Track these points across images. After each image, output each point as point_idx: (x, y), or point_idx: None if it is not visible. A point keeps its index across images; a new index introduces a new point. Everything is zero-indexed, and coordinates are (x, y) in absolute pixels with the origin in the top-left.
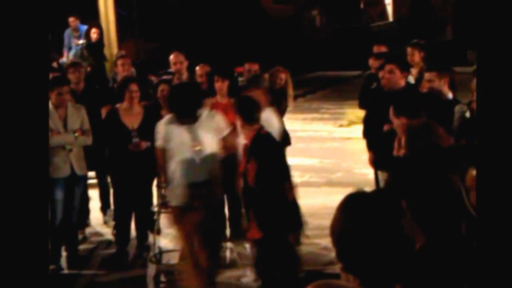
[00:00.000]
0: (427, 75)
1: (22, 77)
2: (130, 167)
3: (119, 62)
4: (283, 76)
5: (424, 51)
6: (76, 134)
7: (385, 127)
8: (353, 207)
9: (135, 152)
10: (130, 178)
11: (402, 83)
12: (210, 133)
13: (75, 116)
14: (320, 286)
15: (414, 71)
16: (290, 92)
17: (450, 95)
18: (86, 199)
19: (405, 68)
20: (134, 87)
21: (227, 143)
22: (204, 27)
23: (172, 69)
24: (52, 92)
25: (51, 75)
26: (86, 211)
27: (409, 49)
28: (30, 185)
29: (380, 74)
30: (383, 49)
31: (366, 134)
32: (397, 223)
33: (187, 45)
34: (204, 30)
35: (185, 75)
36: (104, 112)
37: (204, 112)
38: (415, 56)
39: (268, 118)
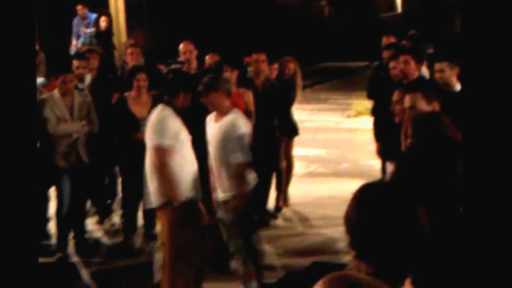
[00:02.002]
0: (437, 65)
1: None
2: (138, 156)
3: (128, 51)
4: (291, 66)
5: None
6: (83, 122)
7: (397, 119)
8: (369, 196)
9: (144, 141)
10: (138, 166)
11: (416, 74)
12: None
13: (82, 104)
14: (334, 278)
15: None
16: (299, 82)
17: (458, 87)
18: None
19: (420, 59)
20: (142, 76)
21: None
22: (213, 16)
23: (182, 58)
24: (57, 80)
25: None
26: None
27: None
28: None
29: (391, 64)
30: (393, 40)
31: (375, 124)
32: (411, 213)
33: (196, 34)
34: (213, 19)
35: (194, 64)
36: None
37: None
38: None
39: (234, 120)
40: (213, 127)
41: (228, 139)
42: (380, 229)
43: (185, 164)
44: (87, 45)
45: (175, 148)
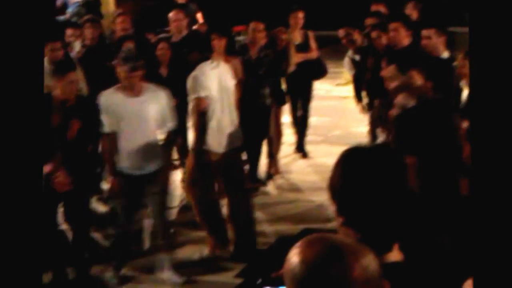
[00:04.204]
0: (424, 32)
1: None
2: None
3: (118, 19)
4: (284, 37)
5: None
6: None
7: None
8: (354, 159)
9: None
10: None
11: (406, 41)
12: None
13: None
14: (313, 240)
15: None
16: (292, 52)
17: (446, 54)
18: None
19: (410, 26)
20: (130, 44)
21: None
22: None
23: (172, 26)
24: (45, 48)
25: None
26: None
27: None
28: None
29: (374, 34)
30: (381, 8)
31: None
32: (398, 176)
33: (184, 3)
34: None
35: (184, 33)
36: None
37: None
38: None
39: None
40: None
41: None
42: (367, 193)
43: None
44: (75, 14)
45: None
